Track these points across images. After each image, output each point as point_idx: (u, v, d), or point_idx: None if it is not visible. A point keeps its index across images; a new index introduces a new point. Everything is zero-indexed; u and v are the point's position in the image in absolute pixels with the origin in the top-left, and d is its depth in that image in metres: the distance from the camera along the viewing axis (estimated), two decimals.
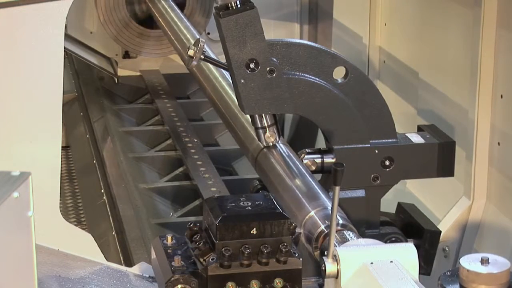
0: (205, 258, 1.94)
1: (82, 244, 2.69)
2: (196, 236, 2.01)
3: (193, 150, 3.99)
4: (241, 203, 2.00)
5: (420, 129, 2.75)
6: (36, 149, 2.75)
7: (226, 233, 1.93)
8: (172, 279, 1.93)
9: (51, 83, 2.82)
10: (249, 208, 1.99)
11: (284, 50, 2.46)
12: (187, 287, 1.93)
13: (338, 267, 1.84)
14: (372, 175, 2.57)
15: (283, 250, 1.94)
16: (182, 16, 4.18)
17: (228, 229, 1.93)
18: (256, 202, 2.01)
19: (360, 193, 2.57)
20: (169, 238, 2.05)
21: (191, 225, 2.05)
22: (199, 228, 2.03)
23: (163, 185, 3.85)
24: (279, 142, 2.57)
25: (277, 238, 1.95)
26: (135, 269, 2.53)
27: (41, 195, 2.66)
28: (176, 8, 4.31)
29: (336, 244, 1.97)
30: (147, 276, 2.38)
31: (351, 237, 2.07)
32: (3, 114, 2.74)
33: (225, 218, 1.94)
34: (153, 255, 2.10)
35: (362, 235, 2.17)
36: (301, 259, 1.96)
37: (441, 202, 3.29)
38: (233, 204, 2.00)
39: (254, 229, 1.94)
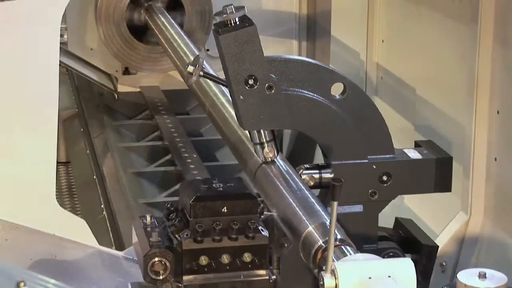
0: (180, 234, 2.12)
1: (76, 229, 2.90)
2: (172, 215, 2.19)
3: (192, 166, 4.01)
4: (214, 185, 2.20)
5: (417, 145, 2.76)
6: (32, 139, 2.88)
7: (199, 211, 2.12)
8: (150, 252, 2.09)
9: (47, 71, 2.93)
10: (221, 189, 2.18)
11: (282, 66, 2.48)
12: (163, 260, 2.09)
13: (337, 282, 1.86)
14: (370, 191, 2.59)
15: (251, 227, 2.13)
16: (182, 33, 4.20)
17: (201, 208, 2.12)
18: (228, 184, 2.21)
19: (358, 208, 2.58)
20: (148, 218, 2.23)
21: (169, 205, 2.23)
22: (175, 208, 2.21)
23: (162, 200, 3.87)
24: (278, 157, 2.58)
25: (246, 216, 2.13)
26: (126, 253, 2.79)
27: (37, 184, 2.84)
28: (175, 24, 4.34)
29: (334, 259, 1.98)
30: (137, 259, 2.49)
31: (349, 252, 2.08)
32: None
33: (198, 198, 2.13)
34: (134, 237, 2.24)
35: (360, 250, 2.19)
36: (267, 235, 2.15)
37: (439, 217, 3.30)
38: (206, 186, 2.19)
39: (225, 207, 2.12)
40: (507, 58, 2.94)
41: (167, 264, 2.09)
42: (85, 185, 4.38)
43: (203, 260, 2.12)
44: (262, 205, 2.20)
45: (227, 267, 2.14)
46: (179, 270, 2.12)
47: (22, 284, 2.21)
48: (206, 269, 2.13)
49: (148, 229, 2.18)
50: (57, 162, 4.84)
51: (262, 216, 2.21)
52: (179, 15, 4.74)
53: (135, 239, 2.24)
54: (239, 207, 2.15)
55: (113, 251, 2.87)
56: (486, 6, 2.98)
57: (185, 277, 2.11)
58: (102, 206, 3.92)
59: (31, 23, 2.92)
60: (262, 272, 2.14)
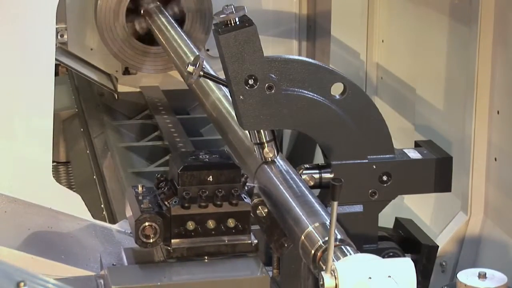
0: (169, 201, 2.28)
1: (72, 203, 3.03)
2: (162, 184, 2.35)
3: None
4: (200, 156, 2.36)
5: (417, 145, 2.77)
6: (30, 119, 2.99)
7: (187, 179, 2.28)
8: (141, 217, 2.25)
9: (42, 52, 3.03)
10: (207, 159, 2.34)
11: (282, 66, 2.49)
12: (153, 225, 2.25)
13: (337, 282, 1.86)
14: (370, 191, 2.59)
15: (235, 194, 2.28)
16: (182, 33, 4.21)
17: (188, 176, 2.28)
18: (214, 156, 2.36)
19: (358, 208, 2.58)
20: (140, 187, 2.39)
21: (159, 175, 2.38)
22: (165, 178, 2.36)
23: None
24: (278, 157, 2.59)
25: (230, 184, 2.29)
26: (119, 225, 2.95)
27: (35, 160, 2.94)
28: (175, 24, 4.34)
29: (334, 259, 1.99)
30: (129, 232, 2.69)
31: (349, 252, 2.08)
32: None
33: (186, 167, 2.29)
34: (128, 211, 2.36)
35: (360, 250, 2.19)
36: (250, 203, 2.31)
37: (439, 217, 3.31)
38: (193, 157, 2.35)
39: (211, 176, 2.28)
40: (507, 58, 2.95)
41: (157, 228, 2.25)
42: (85, 185, 4.38)
43: (190, 225, 2.27)
44: (245, 175, 2.36)
45: (212, 232, 2.28)
46: (168, 234, 2.27)
47: (22, 284, 2.23)
48: (193, 234, 2.27)
49: (140, 197, 2.34)
50: (57, 162, 4.87)
51: (245, 187, 2.36)
52: (177, 10, 4.73)
53: (129, 212, 2.35)
54: (223, 176, 2.29)
55: (106, 224, 3.03)
56: (486, 6, 2.98)
57: (173, 241, 2.27)
58: (102, 206, 3.92)
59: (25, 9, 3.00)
60: (245, 237, 2.29)
